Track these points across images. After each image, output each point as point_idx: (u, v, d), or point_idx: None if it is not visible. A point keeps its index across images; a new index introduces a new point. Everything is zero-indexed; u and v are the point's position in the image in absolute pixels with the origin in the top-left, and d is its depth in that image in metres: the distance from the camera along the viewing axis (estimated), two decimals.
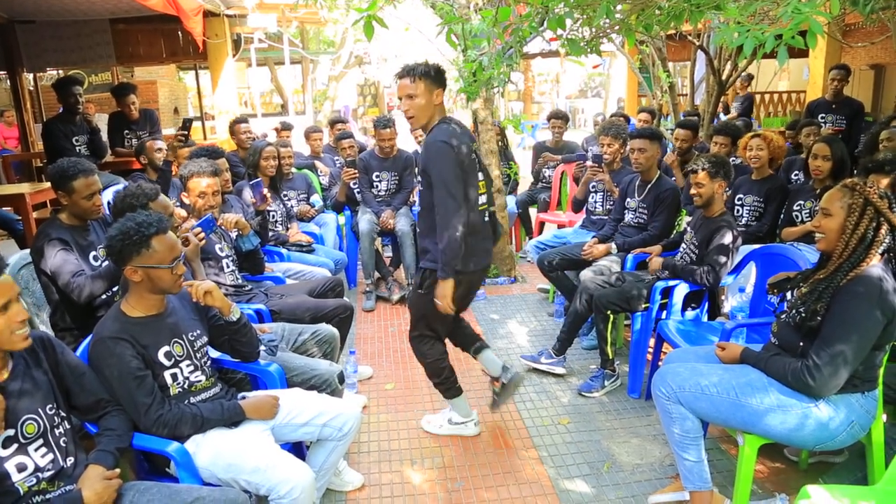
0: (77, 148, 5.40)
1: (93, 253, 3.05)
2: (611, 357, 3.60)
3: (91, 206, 2.95)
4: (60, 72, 9.01)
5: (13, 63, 6.78)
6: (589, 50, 3.19)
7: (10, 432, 1.83)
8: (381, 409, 3.49)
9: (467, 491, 2.79)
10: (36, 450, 1.89)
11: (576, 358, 4.02)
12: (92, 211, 2.98)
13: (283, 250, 4.34)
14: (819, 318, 2.20)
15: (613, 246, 4.10)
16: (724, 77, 7.46)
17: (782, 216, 4.17)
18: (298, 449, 2.53)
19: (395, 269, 5.42)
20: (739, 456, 2.37)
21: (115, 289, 3.11)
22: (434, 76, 2.73)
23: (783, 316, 2.44)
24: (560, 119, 6.55)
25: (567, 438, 3.18)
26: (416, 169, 2.82)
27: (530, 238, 5.98)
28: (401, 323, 4.71)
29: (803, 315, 2.25)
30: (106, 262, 3.04)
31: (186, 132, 5.56)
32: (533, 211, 6.41)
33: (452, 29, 3.07)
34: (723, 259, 3.38)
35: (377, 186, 5.22)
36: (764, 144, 4.22)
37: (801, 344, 2.26)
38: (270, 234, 4.36)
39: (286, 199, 4.95)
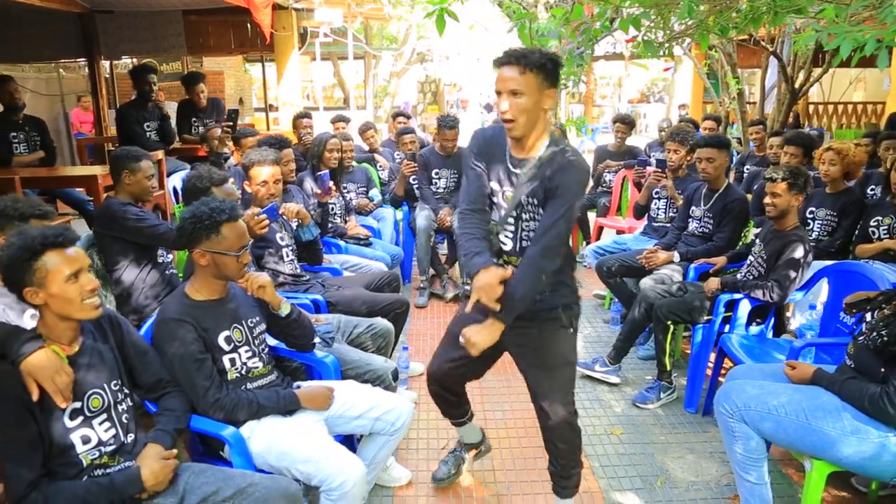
0: (147, 133, 5.56)
1: None
2: (668, 369, 3.50)
3: (150, 186, 3.24)
4: (134, 60, 9.31)
5: (92, 51, 7.04)
6: (663, 52, 3.09)
7: (77, 405, 1.88)
8: (430, 406, 3.42)
9: (515, 496, 2.75)
10: (100, 424, 1.94)
11: (631, 368, 3.92)
12: (148, 191, 3.24)
13: (341, 242, 4.37)
14: None
15: (676, 255, 3.98)
16: (796, 85, 7.21)
17: (857, 232, 3.98)
18: (349, 442, 2.53)
19: (451, 266, 5.40)
20: (806, 483, 2.25)
21: (168, 253, 3.34)
22: (551, 69, 2.10)
23: (861, 338, 2.31)
24: (624, 124, 6.42)
25: (620, 450, 3.10)
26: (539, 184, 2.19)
27: (588, 243, 5.87)
28: None
29: (885, 339, 2.13)
30: None
31: (232, 123, 5.67)
32: (591, 215, 6.30)
33: (524, 25, 3.02)
34: (792, 274, 3.23)
35: (436, 183, 5.21)
36: (837, 159, 4.02)
37: (883, 370, 2.13)
38: (329, 225, 4.39)
39: (346, 191, 4.98)
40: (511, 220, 2.26)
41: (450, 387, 2.64)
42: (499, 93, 2.13)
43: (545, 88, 2.10)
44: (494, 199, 2.31)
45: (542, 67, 2.07)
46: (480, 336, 2.12)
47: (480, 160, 2.29)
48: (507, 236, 2.29)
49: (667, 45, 3.17)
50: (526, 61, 2.06)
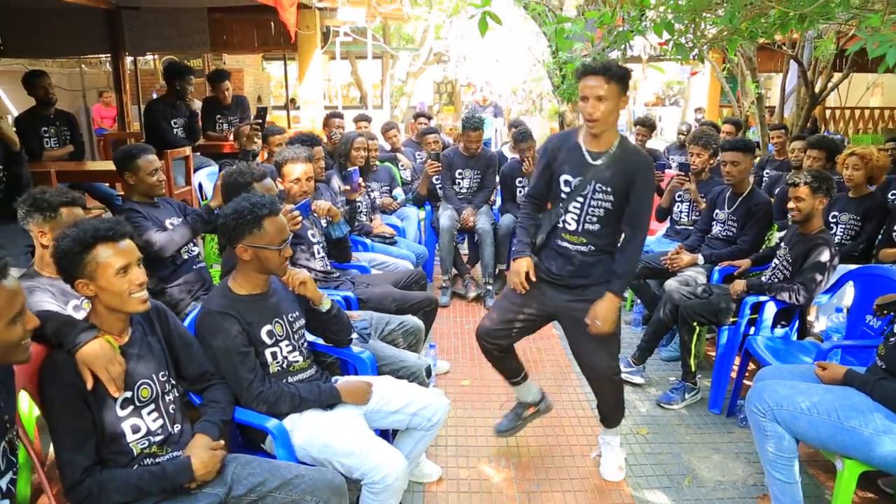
0: (175, 130, 5.62)
1: (168, 220, 3.24)
2: (693, 370, 3.53)
3: (155, 181, 3.18)
4: (156, 57, 9.41)
5: (117, 47, 7.12)
6: (694, 56, 3.13)
7: (128, 394, 1.93)
8: (457, 404, 3.51)
9: (545, 493, 2.79)
10: (149, 414, 1.98)
11: (654, 368, 3.96)
12: (156, 186, 3.21)
13: (368, 241, 4.43)
14: None
15: (700, 257, 4.01)
16: (817, 90, 7.21)
17: (880, 237, 3.99)
18: (384, 437, 2.58)
19: (472, 266, 5.44)
20: (837, 482, 2.28)
21: (194, 246, 3.33)
22: (626, 80, 2.47)
23: (892, 339, 2.34)
24: (645, 126, 6.43)
25: (646, 449, 3.13)
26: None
27: None
28: (476, 321, 4.73)
29: None
30: (181, 222, 3.27)
31: (262, 122, 5.72)
32: None
33: (561, 29, 3.06)
34: (818, 277, 3.26)
35: (459, 184, 5.26)
36: (861, 163, 4.04)
37: None
38: (356, 224, 4.45)
39: (370, 190, 5.03)
40: (578, 203, 2.59)
41: (498, 342, 2.85)
42: (585, 98, 2.47)
43: (621, 95, 2.48)
44: (565, 189, 2.62)
45: (621, 79, 2.45)
46: (605, 317, 2.56)
47: (549, 156, 2.67)
48: (573, 218, 2.62)
49: (697, 49, 3.20)
50: (610, 73, 2.42)
